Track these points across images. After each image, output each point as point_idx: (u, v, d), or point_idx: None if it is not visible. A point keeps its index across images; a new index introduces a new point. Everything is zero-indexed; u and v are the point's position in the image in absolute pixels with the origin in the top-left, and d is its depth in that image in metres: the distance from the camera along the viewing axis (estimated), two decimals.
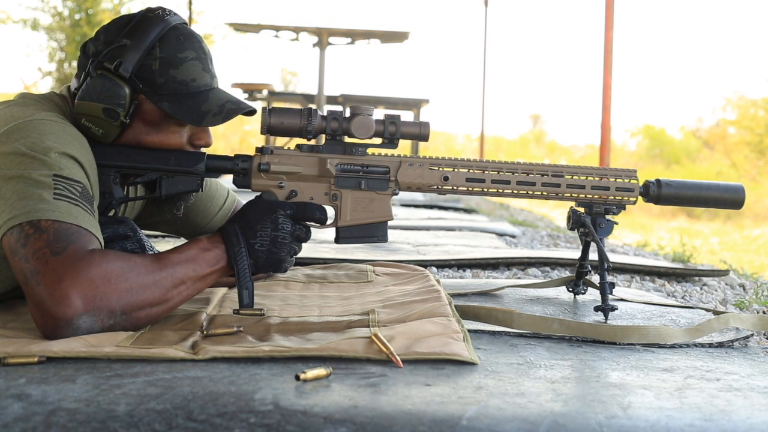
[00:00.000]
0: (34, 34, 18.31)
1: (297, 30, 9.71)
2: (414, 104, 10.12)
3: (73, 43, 13.54)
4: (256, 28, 9.86)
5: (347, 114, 1.58)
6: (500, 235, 3.90)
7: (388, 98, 10.17)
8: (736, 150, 19.14)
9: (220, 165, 1.59)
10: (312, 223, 1.58)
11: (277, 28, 9.78)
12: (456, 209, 5.55)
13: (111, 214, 1.57)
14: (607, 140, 6.03)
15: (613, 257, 2.91)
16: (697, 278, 2.63)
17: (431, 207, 5.66)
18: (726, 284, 2.60)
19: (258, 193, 1.59)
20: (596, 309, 1.69)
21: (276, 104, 10.11)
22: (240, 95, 9.71)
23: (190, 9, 11.13)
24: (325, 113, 1.58)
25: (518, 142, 24.36)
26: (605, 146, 6.00)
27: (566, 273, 2.58)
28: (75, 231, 1.31)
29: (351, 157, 1.60)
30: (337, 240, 1.62)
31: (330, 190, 1.60)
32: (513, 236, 3.93)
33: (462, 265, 2.63)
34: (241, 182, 1.59)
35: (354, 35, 9.56)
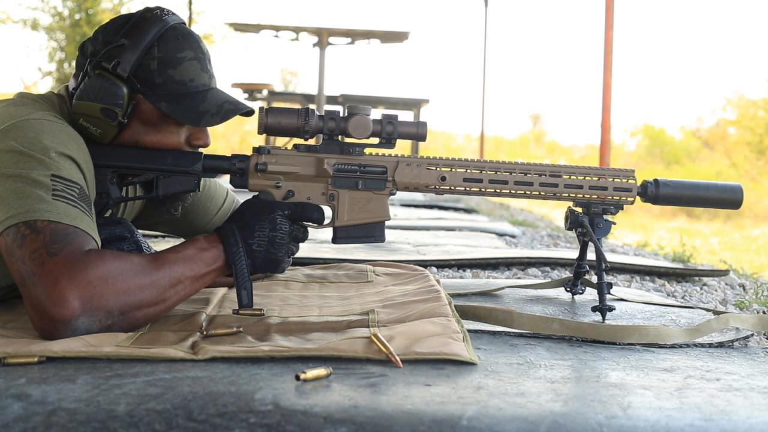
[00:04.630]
0: (34, 34, 18.33)
1: (297, 30, 9.70)
2: (414, 104, 10.11)
3: (73, 43, 13.55)
4: (256, 28, 9.85)
5: (344, 114, 1.58)
6: (500, 235, 3.90)
7: (388, 98, 10.15)
8: (736, 150, 19.13)
9: (217, 165, 1.59)
10: (309, 224, 1.58)
11: (277, 28, 9.77)
12: (456, 209, 5.55)
13: (108, 214, 1.57)
14: (607, 140, 6.03)
15: (613, 257, 2.91)
16: (697, 278, 2.63)
17: (431, 207, 5.66)
18: (726, 284, 2.60)
19: (255, 193, 1.59)
20: (594, 309, 1.69)
21: (276, 104, 10.10)
22: (240, 95, 9.70)
23: (190, 9, 11.12)
24: (322, 113, 1.58)
25: (518, 142, 24.35)
26: (605, 146, 5.99)
27: (566, 273, 2.58)
28: (71, 232, 1.30)
29: (348, 157, 1.60)
30: (334, 240, 1.62)
31: (327, 190, 1.60)
32: (513, 236, 3.93)
33: (462, 265, 2.63)
34: (238, 182, 1.59)
35: (354, 35, 9.55)
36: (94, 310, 1.27)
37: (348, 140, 1.61)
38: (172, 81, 1.50)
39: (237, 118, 1.60)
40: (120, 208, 1.71)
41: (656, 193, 1.71)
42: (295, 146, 1.60)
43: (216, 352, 1.23)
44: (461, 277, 2.46)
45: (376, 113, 1.59)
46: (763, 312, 2.08)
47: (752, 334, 1.61)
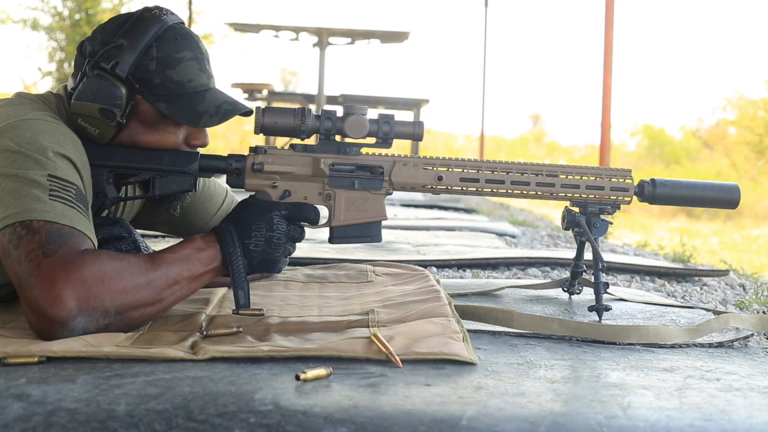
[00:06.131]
0: (34, 34, 18.35)
1: (297, 30, 9.71)
2: (414, 104, 10.12)
3: (73, 43, 13.56)
4: (256, 28, 9.86)
5: (341, 114, 1.58)
6: (500, 235, 3.90)
7: (388, 98, 10.17)
8: (736, 150, 19.15)
9: (213, 165, 1.59)
10: (305, 224, 1.58)
11: (277, 28, 9.78)
12: (456, 209, 5.55)
13: (105, 214, 1.57)
14: (607, 140, 6.03)
15: (613, 257, 2.91)
16: (697, 278, 2.63)
17: (431, 207, 5.66)
18: (726, 284, 2.60)
19: (251, 193, 1.58)
20: (590, 309, 1.68)
21: (276, 104, 10.11)
22: (240, 95, 9.71)
23: (190, 9, 11.13)
24: (319, 113, 1.58)
25: (518, 142, 24.37)
26: (605, 146, 5.99)
27: (566, 273, 2.58)
28: (67, 232, 1.30)
29: (345, 156, 1.60)
30: (331, 240, 1.62)
31: (324, 190, 1.60)
32: (513, 236, 3.93)
33: (462, 265, 2.63)
34: (235, 182, 1.59)
35: (354, 35, 9.56)
36: (90, 310, 1.26)
37: (345, 140, 1.61)
38: (171, 81, 1.50)
39: (236, 118, 1.60)
40: (120, 208, 1.71)
41: (653, 193, 1.71)
42: (292, 146, 1.60)
43: (216, 352, 1.23)
44: (461, 277, 2.46)
45: (374, 113, 1.59)
46: (763, 312, 2.08)
47: (752, 334, 1.61)
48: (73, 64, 1.57)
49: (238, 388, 1.08)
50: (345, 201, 1.60)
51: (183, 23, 1.58)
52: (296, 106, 1.61)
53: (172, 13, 1.55)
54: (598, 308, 1.67)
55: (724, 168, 18.10)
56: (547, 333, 1.51)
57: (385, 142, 1.61)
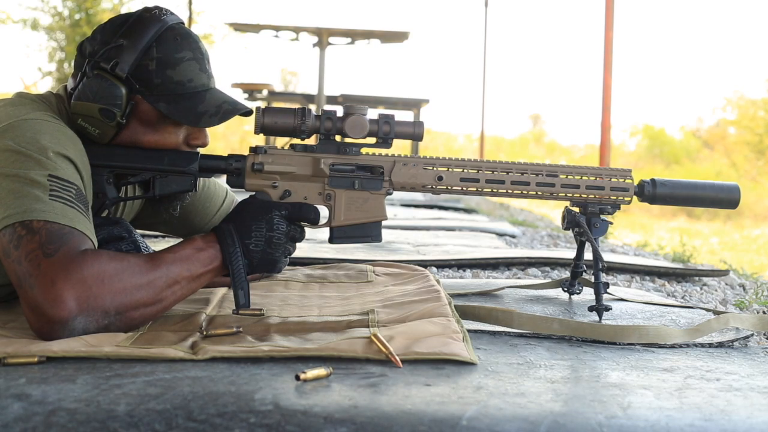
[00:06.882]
0: (34, 34, 18.36)
1: (297, 30, 9.70)
2: (414, 104, 10.12)
3: (73, 43, 13.58)
4: (256, 28, 9.86)
5: (341, 114, 1.58)
6: (500, 235, 3.90)
7: (388, 98, 10.16)
8: (736, 150, 19.16)
9: (213, 165, 1.59)
10: (305, 224, 1.58)
11: (277, 28, 9.78)
12: (456, 209, 5.55)
13: (105, 214, 1.57)
14: (607, 140, 6.03)
15: (613, 257, 2.91)
16: (697, 278, 2.63)
17: (431, 207, 5.66)
18: (726, 284, 2.60)
19: (252, 193, 1.59)
20: (590, 309, 1.68)
21: (276, 104, 10.11)
22: (240, 95, 9.70)
23: (189, 9, 11.13)
24: (319, 113, 1.58)
25: (518, 142, 24.37)
26: (605, 146, 5.99)
27: (566, 273, 2.58)
28: (67, 232, 1.30)
29: (345, 156, 1.60)
30: (331, 240, 1.62)
31: (324, 190, 1.60)
32: (513, 236, 3.93)
33: (462, 265, 2.63)
34: (235, 182, 1.59)
35: (354, 35, 9.56)
36: (90, 310, 1.26)
37: (345, 140, 1.61)
38: (171, 81, 1.50)
39: (236, 118, 1.60)
40: (120, 208, 1.71)
41: (653, 193, 1.71)
42: (292, 146, 1.60)
43: (216, 352, 1.23)
44: (461, 277, 2.46)
45: (374, 113, 1.59)
46: (763, 312, 2.08)
47: (752, 334, 1.61)
48: (73, 64, 1.57)
49: (238, 388, 1.08)
50: (345, 201, 1.60)
51: (183, 23, 1.58)
52: (296, 106, 1.61)
53: (172, 13, 1.56)
54: (598, 308, 1.67)
55: (724, 168, 18.11)
56: (547, 333, 1.51)
57: (385, 142, 1.61)
